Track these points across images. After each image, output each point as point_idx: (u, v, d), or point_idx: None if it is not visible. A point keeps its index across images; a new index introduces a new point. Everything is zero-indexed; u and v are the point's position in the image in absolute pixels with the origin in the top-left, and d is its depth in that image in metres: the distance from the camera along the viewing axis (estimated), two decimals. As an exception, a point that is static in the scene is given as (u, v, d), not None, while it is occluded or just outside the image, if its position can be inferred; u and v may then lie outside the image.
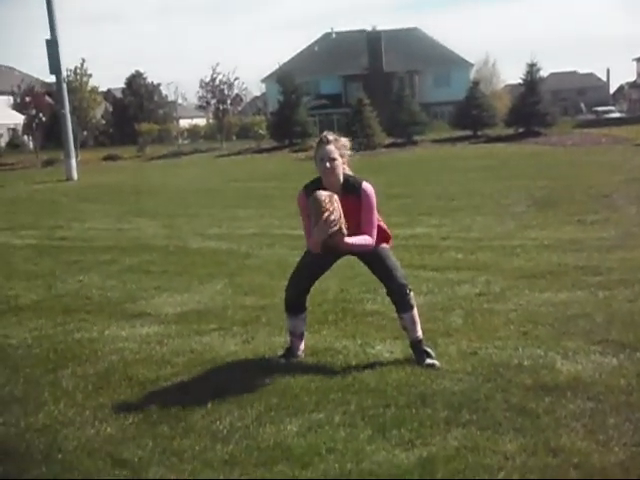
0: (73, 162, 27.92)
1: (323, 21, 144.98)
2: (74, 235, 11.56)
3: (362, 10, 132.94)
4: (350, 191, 4.42)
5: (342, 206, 4.30)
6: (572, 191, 13.72)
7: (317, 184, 4.48)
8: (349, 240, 4.34)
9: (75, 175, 27.49)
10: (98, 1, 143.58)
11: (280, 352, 4.85)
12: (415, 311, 4.62)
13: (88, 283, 7.64)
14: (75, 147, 31.26)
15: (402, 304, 4.58)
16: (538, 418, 3.67)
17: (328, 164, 4.35)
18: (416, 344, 4.60)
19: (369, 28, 60.00)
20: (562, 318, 5.39)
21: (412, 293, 4.63)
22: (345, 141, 4.48)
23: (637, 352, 4.54)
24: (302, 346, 4.82)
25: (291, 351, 4.78)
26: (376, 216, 4.50)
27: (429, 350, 4.60)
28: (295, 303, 4.75)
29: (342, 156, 4.43)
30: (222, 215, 13.17)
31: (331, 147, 4.38)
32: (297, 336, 4.79)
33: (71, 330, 5.83)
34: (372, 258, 4.59)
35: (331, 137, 4.43)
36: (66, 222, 13.36)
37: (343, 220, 4.24)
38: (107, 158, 41.40)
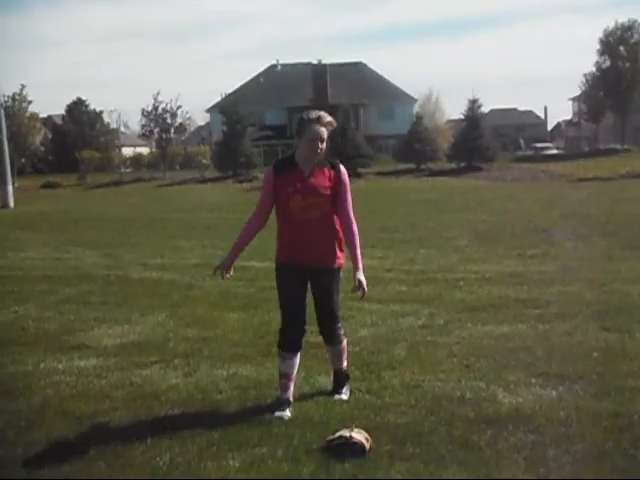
0: (10, 189, 27.29)
1: (268, 53, 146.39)
2: (9, 264, 11.22)
3: (308, 43, 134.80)
4: (326, 165, 4.37)
5: (318, 177, 4.29)
6: (512, 225, 14.04)
7: (289, 163, 4.38)
8: (361, 273, 4.33)
9: (11, 202, 26.85)
10: (40, 25, 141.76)
11: (228, 391, 4.76)
12: (344, 344, 4.57)
13: (24, 314, 7.40)
14: (12, 174, 30.52)
15: (331, 338, 4.51)
16: (480, 451, 3.68)
17: (319, 144, 4.26)
18: (338, 373, 4.62)
19: (314, 61, 60.73)
20: (503, 351, 5.46)
21: (343, 331, 4.55)
22: (332, 119, 4.39)
23: (576, 384, 4.62)
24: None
25: (286, 398, 4.39)
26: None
27: (345, 382, 4.61)
28: (297, 340, 4.41)
29: (328, 137, 4.34)
30: (164, 245, 13.00)
31: (323, 128, 4.28)
32: (292, 378, 4.46)
33: (4, 363, 5.62)
34: (325, 283, 4.40)
35: (325, 116, 4.32)
36: (1, 251, 12.96)
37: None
38: (46, 186, 40.60)
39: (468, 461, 3.57)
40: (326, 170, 4.35)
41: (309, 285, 4.45)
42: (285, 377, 4.43)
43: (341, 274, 4.47)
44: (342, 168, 4.41)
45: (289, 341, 4.41)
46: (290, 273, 4.40)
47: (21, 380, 5.15)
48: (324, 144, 4.30)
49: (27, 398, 4.76)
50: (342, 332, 4.55)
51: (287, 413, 4.28)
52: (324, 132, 4.29)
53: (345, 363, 4.63)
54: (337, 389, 4.61)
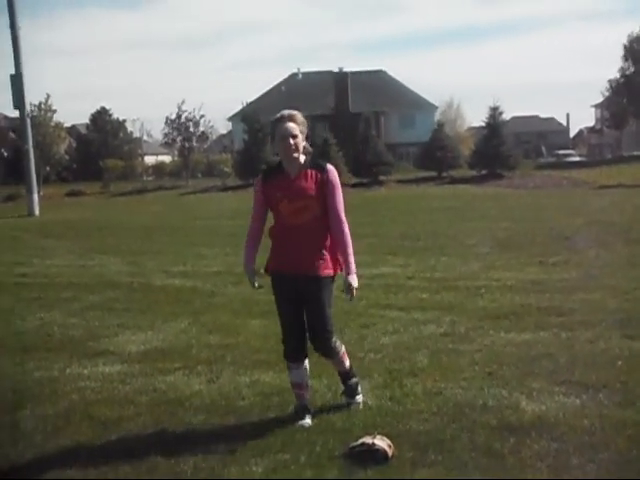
0: (35, 197, 27.59)
1: (290, 61, 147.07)
2: (35, 271, 11.36)
3: (326, 51, 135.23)
4: (313, 167, 4.26)
5: (304, 179, 4.21)
6: (534, 233, 13.96)
7: (277, 169, 4.34)
8: (354, 276, 4.18)
9: (37, 211, 27.14)
10: (63, 35, 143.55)
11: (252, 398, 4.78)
12: (341, 354, 4.48)
13: (49, 321, 7.50)
14: (38, 182, 30.85)
15: (327, 354, 4.44)
16: (503, 459, 3.67)
17: (291, 140, 4.16)
18: (343, 374, 4.57)
19: (336, 69, 60.87)
20: (526, 358, 5.44)
21: (338, 342, 4.44)
22: (303, 118, 4.29)
23: (599, 393, 4.59)
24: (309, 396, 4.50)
25: (303, 407, 4.38)
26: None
27: (352, 379, 4.56)
28: (299, 350, 4.35)
29: (302, 132, 4.23)
30: (187, 253, 13.08)
31: (291, 124, 4.18)
32: (305, 387, 4.43)
33: (31, 369, 5.70)
34: (313, 292, 4.26)
35: (291, 113, 4.23)
36: (27, 258, 13.14)
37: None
38: (70, 194, 41.03)
39: (491, 468, 3.57)
40: (314, 172, 4.25)
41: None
42: (297, 387, 4.43)
43: (332, 285, 4.34)
44: (330, 167, 4.31)
45: (292, 351, 4.38)
46: (281, 282, 4.36)
47: (47, 385, 5.23)
48: (297, 139, 4.20)
49: (53, 403, 4.83)
50: (338, 344, 4.44)
51: (307, 421, 4.28)
52: (293, 127, 4.18)
53: (347, 363, 4.55)
54: (348, 393, 4.55)
